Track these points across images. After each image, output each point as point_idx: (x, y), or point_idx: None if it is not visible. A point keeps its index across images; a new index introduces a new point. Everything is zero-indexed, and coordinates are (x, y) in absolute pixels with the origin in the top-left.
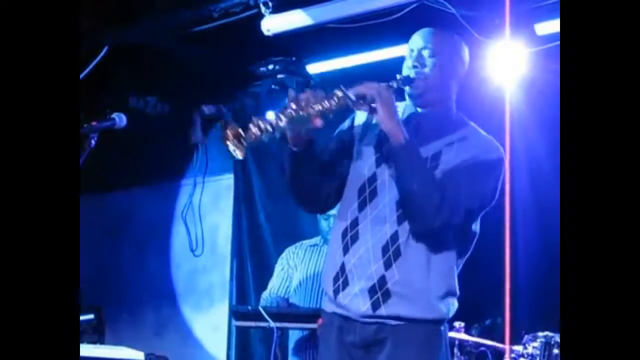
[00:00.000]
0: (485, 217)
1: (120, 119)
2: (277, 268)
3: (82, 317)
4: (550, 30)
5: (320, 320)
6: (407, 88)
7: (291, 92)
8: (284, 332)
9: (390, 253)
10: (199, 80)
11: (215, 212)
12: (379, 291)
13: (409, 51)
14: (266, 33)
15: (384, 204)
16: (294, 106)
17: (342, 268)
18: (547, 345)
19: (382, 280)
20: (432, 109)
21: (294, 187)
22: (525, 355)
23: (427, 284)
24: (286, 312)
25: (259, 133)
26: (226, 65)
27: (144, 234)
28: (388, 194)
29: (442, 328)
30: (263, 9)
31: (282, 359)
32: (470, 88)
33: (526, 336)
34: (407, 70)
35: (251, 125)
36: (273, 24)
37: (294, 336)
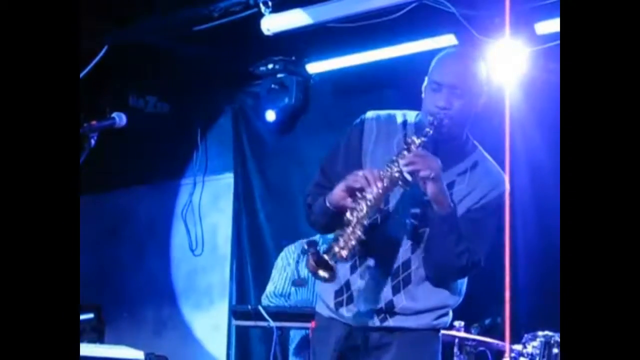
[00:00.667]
0: None
1: (120, 119)
2: (276, 267)
3: (81, 317)
4: (550, 29)
5: (313, 323)
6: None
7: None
8: (283, 332)
9: (400, 279)
10: (198, 79)
11: (215, 212)
12: (386, 313)
13: (435, 84)
14: (266, 32)
15: (397, 229)
16: (361, 206)
17: (347, 285)
18: (546, 344)
19: (390, 304)
20: (451, 139)
21: (316, 226)
22: (525, 355)
23: (433, 305)
24: (286, 312)
25: (348, 250)
26: (226, 64)
27: (144, 234)
28: (401, 220)
29: (438, 344)
30: (263, 8)
31: (282, 359)
32: None
33: (526, 335)
34: (433, 107)
35: (336, 245)
36: (273, 23)
37: (295, 336)
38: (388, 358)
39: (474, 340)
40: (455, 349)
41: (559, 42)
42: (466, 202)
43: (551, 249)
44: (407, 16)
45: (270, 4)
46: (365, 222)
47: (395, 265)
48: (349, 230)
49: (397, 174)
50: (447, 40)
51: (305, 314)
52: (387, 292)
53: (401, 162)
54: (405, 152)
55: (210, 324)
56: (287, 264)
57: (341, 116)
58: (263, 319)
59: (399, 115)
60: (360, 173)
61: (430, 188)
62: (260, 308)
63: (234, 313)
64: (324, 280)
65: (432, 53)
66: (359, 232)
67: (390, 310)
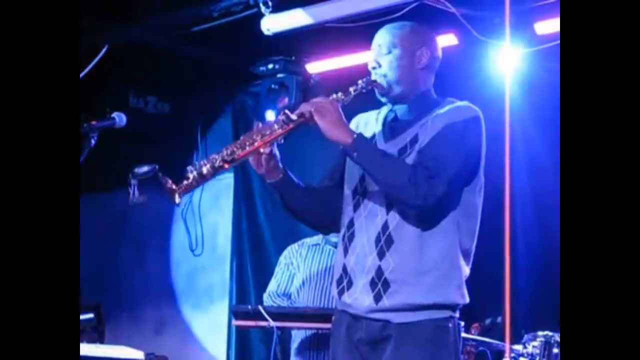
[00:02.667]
0: (485, 215)
1: (120, 119)
2: (280, 265)
3: (81, 317)
4: (550, 29)
5: (333, 318)
6: (376, 90)
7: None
8: (284, 332)
9: (382, 242)
10: (199, 79)
11: (215, 212)
12: (379, 283)
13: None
14: (266, 32)
15: (374, 199)
16: (230, 148)
17: (345, 269)
18: (547, 344)
19: (379, 271)
20: (405, 101)
21: (290, 213)
22: (525, 355)
23: (423, 266)
24: (286, 312)
25: (194, 182)
26: (226, 64)
27: (144, 234)
28: (377, 188)
29: (450, 325)
30: (263, 8)
31: (282, 359)
32: (470, 87)
33: (526, 335)
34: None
35: (189, 174)
36: (273, 23)
37: (297, 336)
38: (390, 349)
39: (474, 340)
40: None
41: (559, 41)
42: (428, 137)
43: (551, 249)
44: (408, 16)
45: (270, 3)
46: (228, 156)
47: (377, 233)
48: (207, 160)
49: (283, 117)
50: (447, 40)
51: (306, 315)
52: (374, 260)
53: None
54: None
55: (210, 324)
56: (289, 263)
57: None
58: (263, 319)
59: (382, 110)
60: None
61: (322, 127)
62: (260, 308)
63: (234, 313)
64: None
65: None
66: (217, 163)
67: (381, 278)
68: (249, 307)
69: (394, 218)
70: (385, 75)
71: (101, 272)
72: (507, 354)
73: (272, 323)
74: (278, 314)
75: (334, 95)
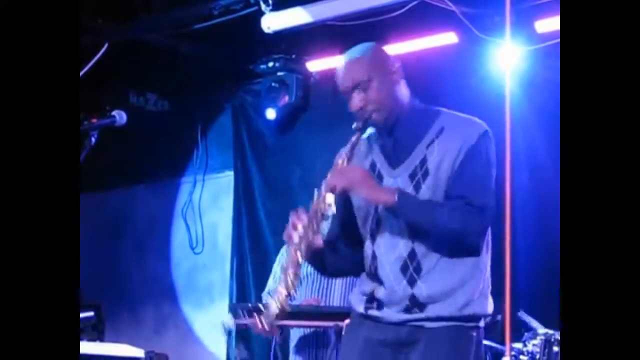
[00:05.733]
0: None
1: (120, 117)
2: (278, 264)
3: (81, 315)
4: (550, 27)
5: (347, 321)
6: (375, 128)
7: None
8: (283, 330)
9: (411, 271)
10: (199, 77)
11: (215, 210)
12: (414, 307)
13: (344, 95)
14: (266, 30)
15: (391, 228)
16: (290, 252)
17: (372, 295)
18: (547, 342)
19: (414, 299)
20: (399, 122)
21: (335, 276)
22: (525, 353)
23: (455, 284)
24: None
25: (283, 304)
26: (226, 62)
27: (144, 232)
28: (394, 221)
29: (475, 334)
30: (263, 6)
31: (282, 358)
32: (470, 85)
33: (526, 334)
34: (355, 115)
35: (272, 303)
36: (273, 21)
37: (295, 334)
38: (416, 355)
39: None
40: None
41: (559, 40)
42: (445, 166)
43: (551, 246)
44: (408, 14)
45: (270, 2)
46: (296, 265)
47: (402, 261)
48: (282, 281)
49: (319, 204)
50: (447, 38)
51: (304, 312)
52: (405, 289)
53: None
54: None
55: (210, 322)
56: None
57: (341, 114)
58: None
59: (371, 136)
60: (291, 216)
61: (362, 196)
62: (260, 306)
63: (233, 312)
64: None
65: (433, 51)
66: (291, 280)
67: (416, 303)
68: (249, 305)
69: (420, 245)
70: (373, 112)
71: (101, 270)
72: (507, 353)
73: None
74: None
75: (343, 154)
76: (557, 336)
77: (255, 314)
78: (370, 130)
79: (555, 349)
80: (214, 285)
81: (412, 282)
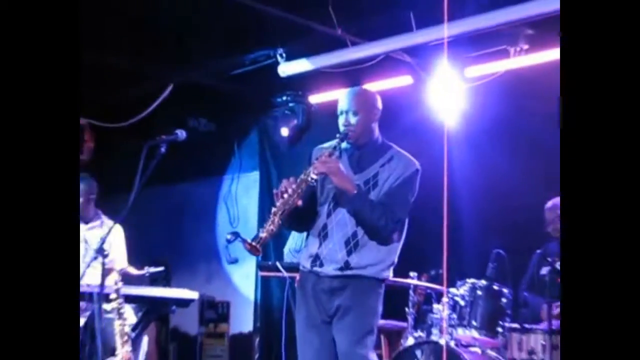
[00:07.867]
0: (429, 198)
1: (181, 134)
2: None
3: (155, 269)
4: (476, 73)
5: (298, 276)
6: (350, 140)
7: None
8: (294, 281)
9: (352, 245)
10: (235, 107)
11: (247, 198)
12: (346, 268)
13: (340, 111)
14: (282, 75)
15: (342, 214)
16: (278, 204)
17: (317, 255)
18: (473, 288)
19: (347, 263)
20: (366, 146)
21: (293, 229)
22: (458, 295)
23: (374, 260)
24: (296, 266)
25: (268, 234)
26: (254, 96)
27: (198, 213)
28: (344, 208)
29: (380, 290)
30: (279, 58)
31: (293, 300)
32: (421, 114)
33: (459, 282)
34: (342, 127)
35: (260, 234)
36: (286, 68)
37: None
38: (345, 296)
39: (424, 286)
40: (410, 292)
41: (484, 81)
42: (388, 182)
43: (481, 215)
44: (378, 64)
45: (284, 55)
46: (282, 213)
47: (347, 237)
48: (270, 220)
49: (306, 177)
50: (405, 80)
51: (293, 268)
52: (343, 256)
53: (311, 168)
54: (315, 161)
55: (243, 274)
56: None
57: (332, 133)
58: (279, 271)
59: (338, 145)
60: (283, 181)
61: (334, 180)
62: (278, 264)
63: (259, 267)
64: (256, 255)
65: (395, 89)
66: (277, 220)
67: (347, 266)
68: (269, 262)
69: (361, 231)
70: (354, 131)
71: (170, 239)
72: (445, 295)
73: (286, 274)
74: (290, 268)
75: (330, 153)
76: (480, 283)
77: (248, 241)
78: (344, 145)
79: (479, 293)
80: (245, 250)
81: (349, 253)
